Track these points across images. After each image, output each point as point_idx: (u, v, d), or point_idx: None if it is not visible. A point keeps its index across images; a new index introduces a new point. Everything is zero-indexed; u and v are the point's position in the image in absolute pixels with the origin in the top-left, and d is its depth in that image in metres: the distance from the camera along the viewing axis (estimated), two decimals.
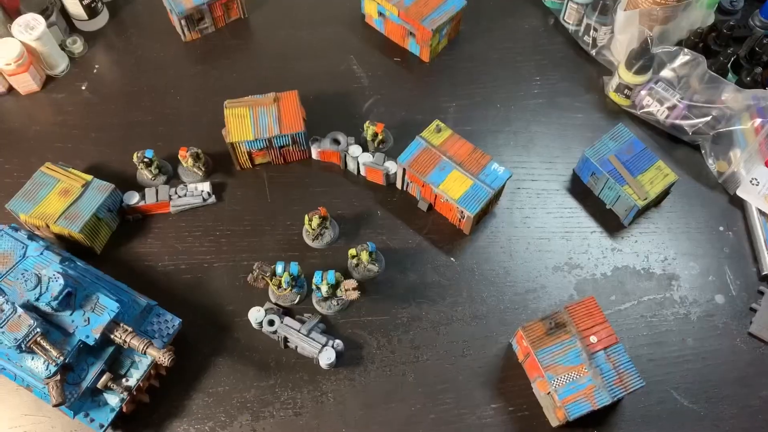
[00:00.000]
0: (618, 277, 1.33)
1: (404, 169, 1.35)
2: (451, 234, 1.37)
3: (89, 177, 1.30)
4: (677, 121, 1.44)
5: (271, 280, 1.24)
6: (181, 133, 1.46)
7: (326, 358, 1.20)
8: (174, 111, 1.49)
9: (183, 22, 1.52)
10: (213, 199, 1.37)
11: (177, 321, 1.20)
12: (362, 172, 1.42)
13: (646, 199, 1.31)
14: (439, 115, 1.48)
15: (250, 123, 1.35)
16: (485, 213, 1.37)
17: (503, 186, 1.32)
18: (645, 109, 1.47)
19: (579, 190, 1.42)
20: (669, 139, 1.47)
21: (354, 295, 1.22)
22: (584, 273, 1.34)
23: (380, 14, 1.55)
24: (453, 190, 1.30)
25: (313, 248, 1.34)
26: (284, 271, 1.23)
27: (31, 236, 1.20)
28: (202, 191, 1.37)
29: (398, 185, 1.41)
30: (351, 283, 1.22)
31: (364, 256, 1.26)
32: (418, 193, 1.38)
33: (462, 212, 1.31)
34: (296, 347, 1.23)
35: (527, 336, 1.17)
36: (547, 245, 1.36)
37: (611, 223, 1.39)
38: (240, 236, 1.35)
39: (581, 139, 1.47)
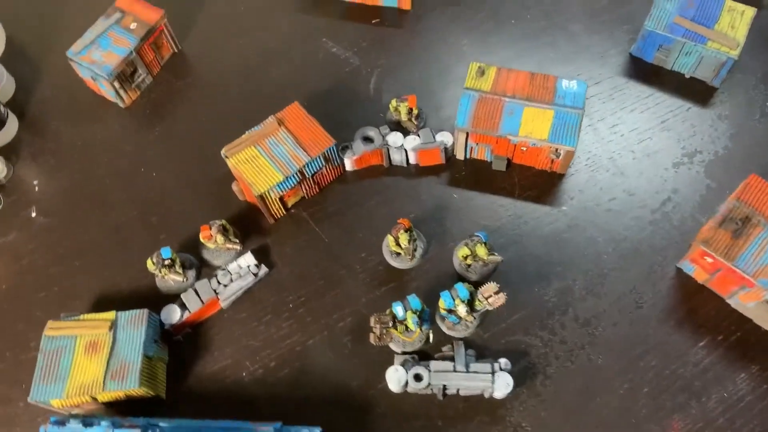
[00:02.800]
0: (743, 143, 1.14)
1: (467, 134, 1.10)
2: (545, 182, 1.13)
3: (111, 314, 0.99)
4: None
5: (397, 329, 0.98)
6: (180, 214, 1.15)
7: (504, 385, 0.95)
8: (157, 191, 1.18)
9: (116, 84, 1.19)
10: (264, 269, 1.08)
11: (317, 430, 0.92)
12: (412, 160, 1.16)
13: (738, 46, 1.12)
14: (455, 60, 1.24)
15: (267, 162, 1.06)
16: None
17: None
18: None
19: (646, 71, 1.22)
20: None
21: (501, 299, 0.97)
22: (707, 155, 1.14)
23: None
24: (537, 130, 1.06)
25: (406, 270, 1.08)
26: (406, 310, 0.97)
27: (85, 420, 0.89)
28: (249, 266, 1.08)
29: (459, 155, 1.16)
30: (490, 288, 0.98)
31: (481, 250, 1.01)
32: (487, 154, 1.14)
33: (556, 150, 1.08)
34: (458, 390, 0.98)
35: (714, 249, 0.96)
36: (652, 145, 1.15)
37: (700, 91, 1.19)
38: (317, 296, 1.07)
39: (620, 18, 1.26)
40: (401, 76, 1.24)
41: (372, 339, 0.97)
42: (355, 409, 0.99)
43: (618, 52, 1.23)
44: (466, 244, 1.03)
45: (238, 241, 1.09)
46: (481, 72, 1.11)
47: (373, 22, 1.30)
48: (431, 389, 0.98)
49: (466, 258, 1.04)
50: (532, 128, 1.06)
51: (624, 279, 1.05)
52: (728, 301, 1.02)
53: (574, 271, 1.06)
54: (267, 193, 1.05)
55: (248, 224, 1.13)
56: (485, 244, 1.02)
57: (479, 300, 0.98)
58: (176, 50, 1.29)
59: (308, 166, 1.07)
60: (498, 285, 0.97)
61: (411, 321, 0.97)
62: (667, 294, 1.04)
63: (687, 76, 1.19)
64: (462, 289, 0.97)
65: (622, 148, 1.15)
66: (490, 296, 0.97)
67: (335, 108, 1.21)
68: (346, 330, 1.04)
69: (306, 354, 1.04)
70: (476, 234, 1.02)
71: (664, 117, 1.17)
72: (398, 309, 0.97)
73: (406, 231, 1.03)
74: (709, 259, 0.98)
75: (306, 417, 0.94)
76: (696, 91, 1.19)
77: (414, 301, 0.98)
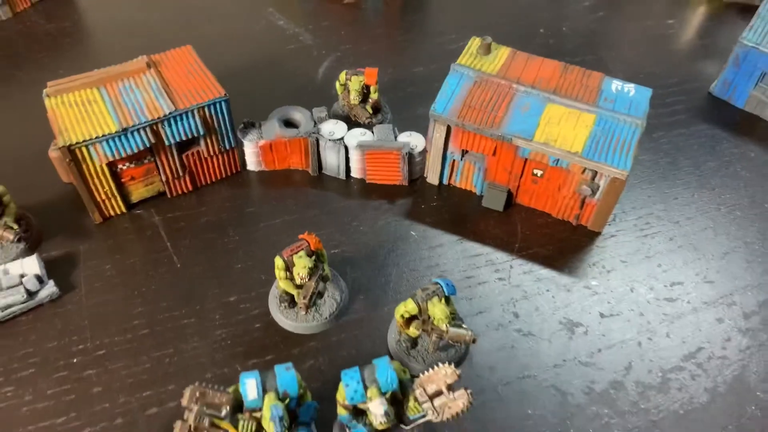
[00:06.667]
0: None
1: (447, 132, 0.66)
2: (568, 236, 0.68)
3: None
4: None
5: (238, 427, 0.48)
6: None
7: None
8: None
9: None
10: (52, 289, 0.60)
11: None
12: (356, 171, 0.72)
13: None
14: (451, 60, 0.84)
15: (105, 107, 0.63)
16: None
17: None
18: None
19: (727, 118, 0.80)
20: None
21: (460, 402, 0.48)
22: None
23: None
24: (566, 136, 0.63)
25: (302, 333, 0.60)
26: (261, 397, 0.48)
27: None
28: (24, 278, 0.60)
29: (432, 177, 0.71)
30: (440, 375, 0.49)
31: (439, 310, 0.53)
32: (477, 180, 0.70)
33: (593, 179, 0.63)
34: None
35: None
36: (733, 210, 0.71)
37: None
38: (129, 354, 0.58)
39: (688, 45, 0.88)
40: (366, 65, 0.83)
41: None
42: None
43: (689, 86, 0.83)
44: (414, 298, 0.55)
45: (16, 229, 0.62)
46: (487, 48, 0.70)
47: (346, 2, 0.92)
48: None
49: (408, 322, 0.56)
50: (558, 133, 0.63)
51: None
52: None
53: (609, 407, 0.57)
54: (83, 151, 0.60)
55: (61, 217, 0.67)
56: (446, 298, 0.54)
57: (415, 400, 0.49)
58: None
59: (170, 125, 0.63)
60: (456, 371, 0.48)
61: (272, 422, 0.47)
62: None
63: None
64: (384, 369, 0.49)
65: (693, 201, 0.71)
66: (438, 394, 0.48)
67: (260, 87, 0.80)
68: (157, 425, 0.54)
69: None
70: (435, 281, 0.55)
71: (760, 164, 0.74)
72: (250, 386, 0.48)
73: (309, 254, 0.56)
74: None
75: None
76: None
77: (285, 378, 0.49)
